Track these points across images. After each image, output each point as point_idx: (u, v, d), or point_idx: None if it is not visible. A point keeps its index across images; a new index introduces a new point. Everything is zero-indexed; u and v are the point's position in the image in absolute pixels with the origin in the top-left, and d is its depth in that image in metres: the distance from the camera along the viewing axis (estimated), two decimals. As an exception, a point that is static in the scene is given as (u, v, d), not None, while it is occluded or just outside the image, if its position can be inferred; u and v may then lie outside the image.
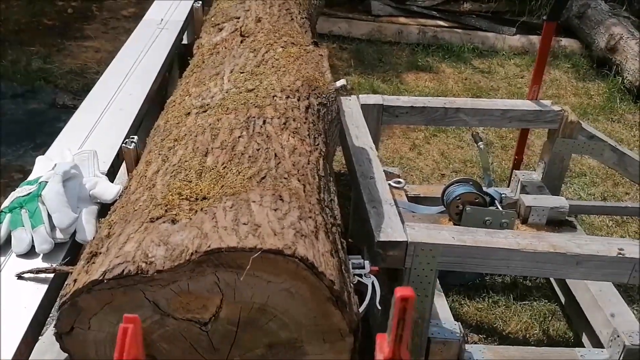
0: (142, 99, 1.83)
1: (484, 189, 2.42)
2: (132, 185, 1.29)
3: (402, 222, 1.81)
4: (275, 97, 1.50)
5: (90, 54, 4.76)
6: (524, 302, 2.71)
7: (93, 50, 4.82)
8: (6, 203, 1.26)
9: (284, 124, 1.39)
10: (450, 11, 5.26)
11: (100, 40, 4.98)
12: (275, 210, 1.06)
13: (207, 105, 1.49)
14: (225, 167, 1.20)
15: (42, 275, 1.14)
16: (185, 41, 2.56)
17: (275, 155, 1.25)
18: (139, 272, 0.96)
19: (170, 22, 2.47)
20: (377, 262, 1.75)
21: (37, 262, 1.18)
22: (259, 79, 1.59)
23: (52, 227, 1.21)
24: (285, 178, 1.18)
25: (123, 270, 0.96)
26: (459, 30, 5.21)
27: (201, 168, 1.21)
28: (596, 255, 1.75)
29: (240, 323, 1.03)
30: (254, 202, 1.07)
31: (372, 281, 1.62)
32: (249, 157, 1.23)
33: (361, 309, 1.52)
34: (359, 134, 2.31)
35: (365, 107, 2.55)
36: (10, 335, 1.03)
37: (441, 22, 5.24)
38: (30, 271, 1.13)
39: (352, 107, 2.52)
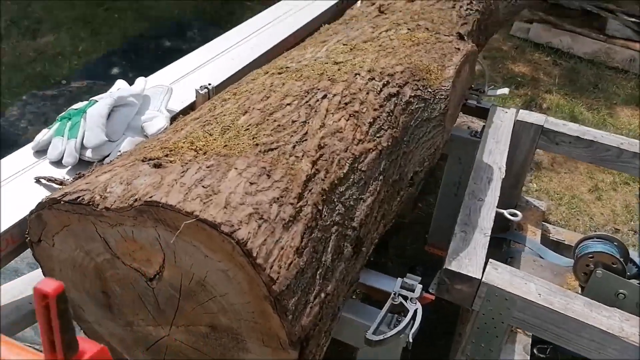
0: (260, 52, 1.79)
1: (634, 256, 1.98)
2: (172, 126, 1.26)
3: (487, 258, 1.54)
4: (356, 75, 1.35)
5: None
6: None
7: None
8: (64, 112, 1.31)
9: (346, 104, 1.24)
10: None
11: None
12: (252, 184, 0.93)
13: (286, 68, 1.40)
14: (248, 129, 1.10)
15: (54, 185, 1.16)
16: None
17: (307, 132, 1.12)
18: (91, 203, 0.92)
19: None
20: (441, 291, 1.52)
21: (63, 172, 1.21)
22: (354, 54, 1.45)
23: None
24: (296, 157, 1.04)
25: (78, 197, 0.93)
26: None
27: (230, 125, 1.13)
28: None
29: (182, 291, 0.94)
30: (235, 168, 0.96)
31: (416, 309, 1.41)
32: (278, 125, 1.12)
33: (389, 335, 1.33)
34: (495, 150, 2.02)
35: (520, 125, 2.23)
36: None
37: (690, 59, 4.41)
38: (44, 177, 1.16)
39: (503, 120, 2.22)
